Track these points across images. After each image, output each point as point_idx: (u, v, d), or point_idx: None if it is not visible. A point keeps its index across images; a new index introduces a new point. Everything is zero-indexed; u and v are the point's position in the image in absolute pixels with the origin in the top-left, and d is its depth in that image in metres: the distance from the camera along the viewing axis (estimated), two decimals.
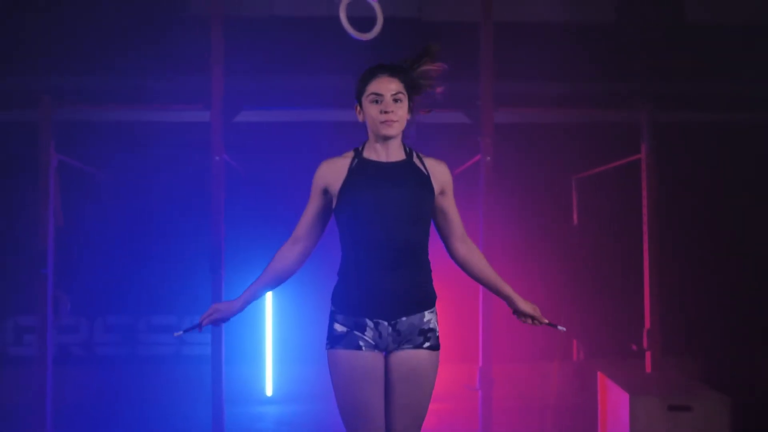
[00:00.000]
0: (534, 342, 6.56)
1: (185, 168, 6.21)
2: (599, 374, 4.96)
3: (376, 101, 2.48)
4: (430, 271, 2.55)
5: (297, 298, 6.50)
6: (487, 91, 4.96)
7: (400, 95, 2.48)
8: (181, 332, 2.59)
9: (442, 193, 2.58)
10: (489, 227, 4.92)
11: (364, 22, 4.01)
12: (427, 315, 2.51)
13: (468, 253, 2.63)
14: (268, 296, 6.53)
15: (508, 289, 2.65)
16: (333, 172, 2.52)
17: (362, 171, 2.50)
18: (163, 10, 6.14)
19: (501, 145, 5.29)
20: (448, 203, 2.60)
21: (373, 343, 2.45)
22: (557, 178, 6.74)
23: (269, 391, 6.58)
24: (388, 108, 2.45)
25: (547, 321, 2.67)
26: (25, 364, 5.75)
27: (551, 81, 6.37)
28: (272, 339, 6.58)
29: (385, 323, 2.44)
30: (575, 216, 6.73)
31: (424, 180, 2.52)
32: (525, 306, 2.66)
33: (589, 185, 6.60)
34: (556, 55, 6.18)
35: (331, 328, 2.49)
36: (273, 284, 2.60)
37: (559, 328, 2.71)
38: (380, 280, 2.42)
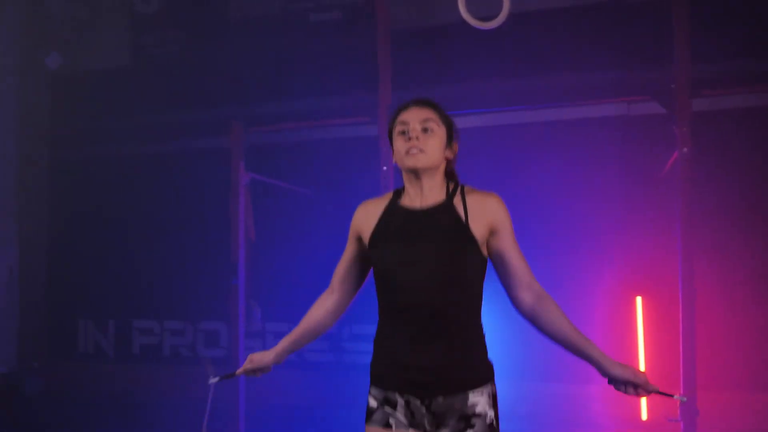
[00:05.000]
0: (746, 367, 5.65)
1: (358, 179, 6.33)
2: None
3: (403, 132, 2.11)
4: (480, 341, 2.09)
5: (486, 313, 6.28)
6: (682, 75, 4.43)
7: (432, 124, 2.10)
8: (217, 379, 2.39)
9: (494, 233, 2.08)
10: (689, 227, 4.36)
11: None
12: (474, 397, 2.02)
13: (537, 304, 2.08)
14: None
15: (594, 351, 2.05)
16: (366, 218, 2.17)
17: (391, 220, 2.12)
18: (325, 38, 6.38)
19: (701, 135, 4.69)
20: (505, 244, 2.09)
21: (406, 421, 2.04)
22: None
23: None
24: (413, 134, 2.08)
25: (657, 388, 2.03)
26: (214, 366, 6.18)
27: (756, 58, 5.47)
28: None
29: (418, 402, 2.03)
30: None
31: (461, 228, 2.03)
32: (621, 371, 2.03)
33: None
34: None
35: (367, 401, 2.14)
36: (307, 336, 2.30)
37: (677, 398, 2.04)
38: (410, 352, 2.01)
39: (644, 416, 5.76)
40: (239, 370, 2.32)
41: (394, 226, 2.10)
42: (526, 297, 2.10)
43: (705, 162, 4.89)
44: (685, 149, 4.36)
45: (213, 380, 2.39)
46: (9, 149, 8.07)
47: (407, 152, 2.08)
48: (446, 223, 2.06)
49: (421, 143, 2.08)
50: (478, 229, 2.06)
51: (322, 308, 2.29)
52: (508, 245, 2.09)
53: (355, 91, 5.93)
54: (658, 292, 5.74)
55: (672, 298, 4.56)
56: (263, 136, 6.27)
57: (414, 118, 2.11)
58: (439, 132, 2.13)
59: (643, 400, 5.75)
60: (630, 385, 2.03)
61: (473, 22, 3.76)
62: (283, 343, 2.31)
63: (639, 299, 5.84)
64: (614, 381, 2.06)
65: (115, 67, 7.92)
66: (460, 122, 6.48)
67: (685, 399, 2.07)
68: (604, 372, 2.06)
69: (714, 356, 5.25)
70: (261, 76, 6.51)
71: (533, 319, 2.11)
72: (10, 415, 6.74)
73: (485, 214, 2.07)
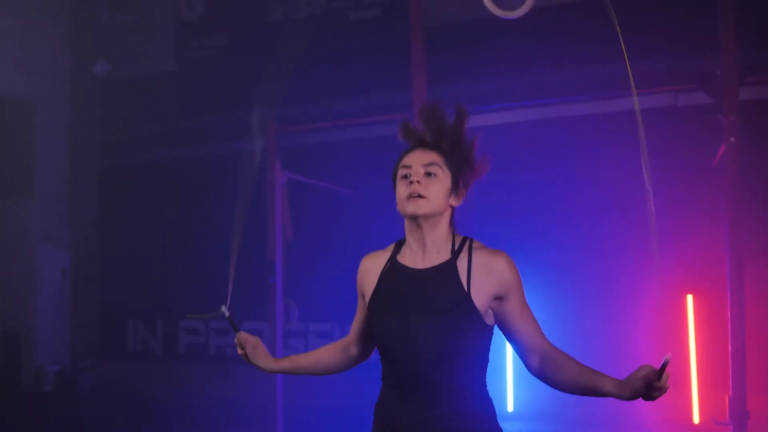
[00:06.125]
0: None
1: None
2: None
3: (406, 176, 1.95)
4: (486, 408, 1.94)
5: (535, 311, 6.15)
6: (728, 62, 4.25)
7: (436, 168, 1.94)
8: (227, 313, 2.25)
9: (500, 298, 1.90)
10: (737, 221, 4.17)
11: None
12: None
13: (545, 365, 1.91)
14: None
15: (602, 385, 1.84)
16: (367, 274, 2.03)
17: (389, 281, 1.97)
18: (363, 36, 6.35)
19: (750, 124, 4.49)
20: (512, 311, 1.92)
21: None
22: None
23: (510, 407, 6.31)
24: (414, 178, 1.92)
25: (658, 370, 1.79)
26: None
27: None
28: (512, 354, 6.32)
29: None
30: None
31: (462, 299, 1.87)
32: (632, 386, 1.80)
33: None
34: None
35: None
36: (312, 371, 2.18)
37: (665, 360, 1.77)
38: (410, 424, 1.89)
39: (696, 419, 5.56)
40: (241, 333, 2.22)
41: (393, 291, 1.96)
42: (536, 362, 1.94)
43: (755, 152, 4.68)
44: (732, 139, 4.18)
45: (224, 310, 2.28)
46: (61, 156, 8.32)
47: (408, 198, 1.93)
48: (447, 292, 1.90)
49: (423, 188, 1.92)
50: (480, 297, 1.90)
51: (341, 357, 2.19)
52: (515, 311, 1.93)
53: (391, 88, 5.90)
54: (709, 290, 5.53)
55: (725, 296, 4.38)
56: (301, 136, 6.29)
57: (417, 161, 1.95)
58: (444, 177, 1.96)
59: (695, 404, 5.56)
60: (645, 390, 1.82)
61: (498, 12, 3.66)
62: (284, 363, 2.21)
63: (689, 297, 5.64)
64: (636, 397, 1.86)
65: (160, 72, 8.09)
66: (497, 118, 6.38)
67: (668, 357, 1.76)
68: (621, 398, 1.86)
69: (766, 357, 5.03)
70: (299, 76, 6.53)
71: (544, 380, 1.95)
72: (64, 411, 6.93)
73: (491, 278, 1.91)
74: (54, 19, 8.15)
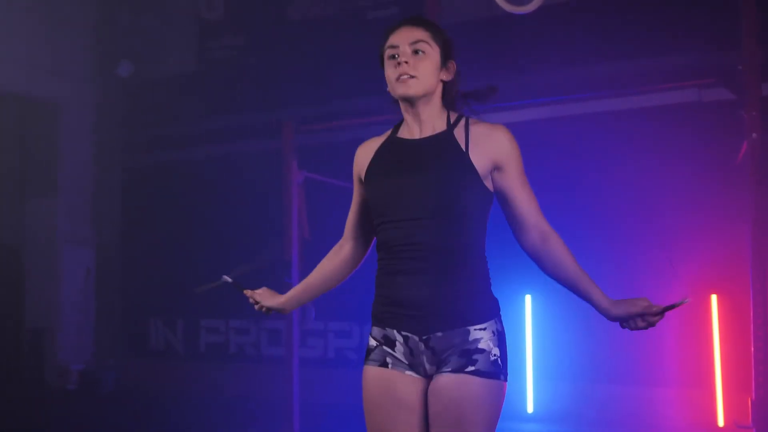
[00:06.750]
0: None
1: None
2: None
3: (393, 56, 1.93)
4: (483, 275, 1.93)
5: (557, 309, 6.09)
6: (750, 56, 4.15)
7: (424, 45, 1.91)
8: (231, 280, 2.28)
9: (498, 168, 1.91)
10: (760, 219, 4.07)
11: None
12: (476, 332, 1.87)
13: (542, 244, 1.92)
14: (527, 307, 6.22)
15: (596, 293, 1.88)
16: (363, 156, 2.04)
17: (386, 153, 1.98)
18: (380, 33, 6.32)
19: None
20: (510, 181, 1.91)
21: (406, 361, 1.92)
22: None
23: (530, 408, 6.24)
24: (402, 58, 1.90)
25: (662, 307, 1.81)
26: (275, 364, 6.25)
27: None
28: (532, 353, 6.24)
29: (416, 338, 1.90)
30: None
31: (459, 157, 1.87)
32: (625, 307, 1.84)
33: None
34: None
35: (368, 342, 2.03)
36: (319, 287, 2.18)
37: (680, 302, 1.78)
38: (406, 287, 1.89)
39: (720, 422, 5.45)
40: (248, 291, 2.25)
41: (389, 159, 1.96)
42: (531, 238, 1.94)
43: None
44: (754, 135, 4.08)
45: (226, 278, 2.33)
46: (85, 157, 8.42)
47: (398, 79, 1.91)
48: (444, 152, 1.90)
49: (412, 68, 1.90)
50: (479, 160, 1.89)
51: (336, 259, 2.17)
52: (513, 183, 1.92)
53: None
54: (734, 290, 5.42)
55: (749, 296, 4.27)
56: (318, 135, 6.28)
57: (403, 40, 1.92)
58: (432, 53, 1.94)
59: (720, 406, 5.44)
60: (638, 318, 1.85)
61: (508, 7, 3.61)
62: (294, 291, 2.21)
63: (714, 297, 5.53)
64: (622, 320, 1.88)
65: (182, 73, 8.15)
66: (521, 114, 6.31)
67: (688, 300, 1.77)
68: (608, 315, 1.89)
69: None
70: (317, 75, 6.53)
71: (537, 260, 1.96)
72: (87, 409, 7.01)
73: (489, 146, 1.91)
74: (78, 22, 8.25)
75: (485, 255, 1.96)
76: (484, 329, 1.89)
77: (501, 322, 1.95)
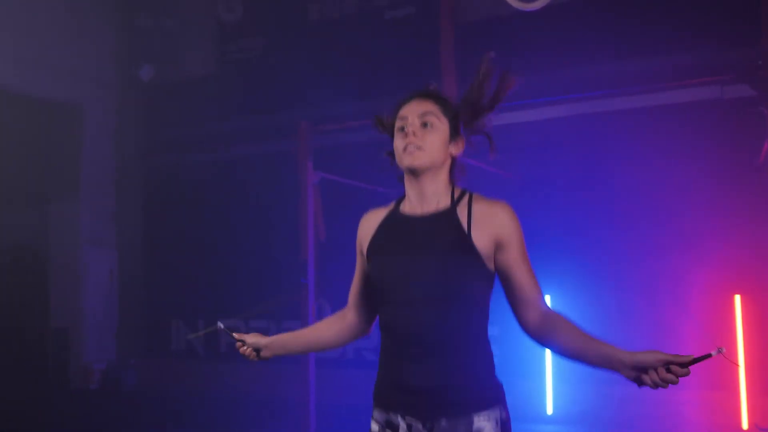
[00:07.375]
0: None
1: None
2: None
3: (402, 128, 1.90)
4: (485, 360, 1.89)
5: (575, 311, 6.01)
6: None
7: (432, 118, 1.89)
8: (223, 327, 2.22)
9: (500, 247, 1.86)
10: None
11: None
12: (479, 421, 1.83)
13: (542, 324, 1.86)
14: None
15: (608, 347, 1.77)
16: (366, 229, 1.99)
17: (389, 229, 1.93)
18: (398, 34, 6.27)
19: None
20: (511, 260, 1.86)
21: None
22: None
23: (549, 409, 6.18)
24: (410, 129, 1.87)
25: (691, 357, 1.65)
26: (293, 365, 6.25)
27: None
28: (551, 355, 6.19)
29: (420, 425, 1.85)
30: None
31: (461, 239, 1.83)
32: (642, 357, 1.70)
33: None
34: None
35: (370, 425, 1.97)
36: (307, 349, 2.15)
37: (714, 353, 1.61)
38: (409, 372, 1.84)
39: (745, 425, 5.34)
40: (237, 334, 2.19)
41: (392, 236, 1.92)
42: (531, 317, 1.88)
43: None
44: None
45: (220, 325, 2.25)
46: (107, 159, 8.52)
47: (405, 149, 1.88)
48: (446, 233, 1.86)
49: (419, 139, 1.88)
50: (481, 240, 1.85)
51: (336, 326, 2.13)
52: (514, 261, 1.87)
53: (422, 85, 5.84)
54: (757, 290, 5.31)
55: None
56: (333, 135, 6.27)
57: (413, 112, 1.91)
58: (441, 126, 1.91)
59: (744, 408, 5.34)
60: (662, 368, 1.69)
61: (516, 4, 3.58)
62: (280, 339, 2.15)
63: (737, 297, 5.43)
64: (644, 370, 1.72)
65: (202, 75, 8.20)
66: (538, 113, 6.27)
67: (723, 349, 1.60)
68: (630, 363, 1.74)
69: None
70: (334, 76, 6.53)
71: (539, 340, 1.89)
72: (109, 408, 7.08)
73: (491, 225, 1.86)
74: (99, 26, 8.35)
75: (488, 338, 1.92)
76: (488, 418, 1.85)
77: (506, 409, 1.90)
